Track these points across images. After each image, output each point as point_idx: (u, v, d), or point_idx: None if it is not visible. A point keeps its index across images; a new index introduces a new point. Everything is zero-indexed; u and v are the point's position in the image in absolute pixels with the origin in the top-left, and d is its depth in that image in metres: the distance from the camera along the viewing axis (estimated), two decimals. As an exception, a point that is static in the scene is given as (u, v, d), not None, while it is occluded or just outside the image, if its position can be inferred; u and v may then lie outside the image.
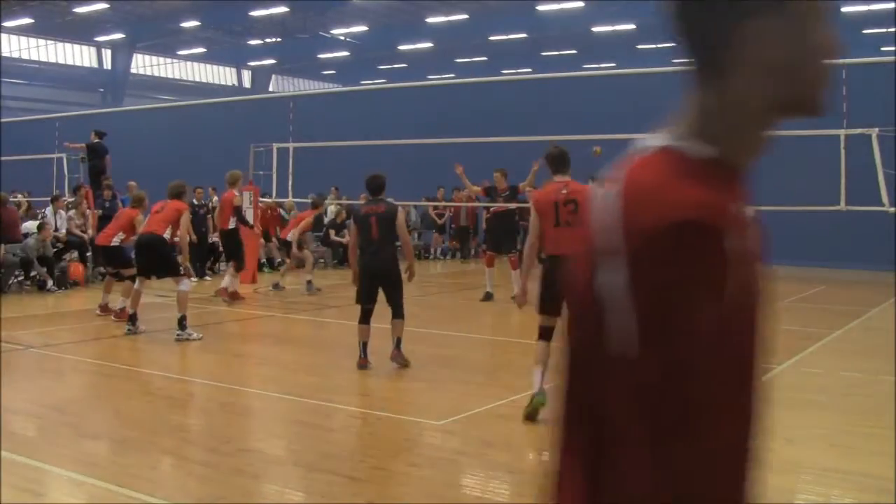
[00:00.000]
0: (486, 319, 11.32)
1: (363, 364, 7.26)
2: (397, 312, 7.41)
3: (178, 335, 8.74)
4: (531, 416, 5.53)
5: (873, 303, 12.39)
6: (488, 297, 12.16)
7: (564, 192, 5.66)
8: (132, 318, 9.10)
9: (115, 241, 9.92)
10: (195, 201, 15.81)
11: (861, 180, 11.28)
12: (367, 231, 7.27)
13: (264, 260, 16.66)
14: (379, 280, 7.34)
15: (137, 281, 9.32)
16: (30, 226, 13.62)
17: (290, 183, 16.11)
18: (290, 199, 17.69)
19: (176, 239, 9.56)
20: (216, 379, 7.11)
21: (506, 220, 12.81)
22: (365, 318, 7.36)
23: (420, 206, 20.86)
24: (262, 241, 16.38)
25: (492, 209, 13.57)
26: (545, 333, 5.89)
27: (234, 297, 11.79)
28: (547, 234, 5.65)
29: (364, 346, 7.32)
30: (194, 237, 15.35)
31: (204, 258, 15.44)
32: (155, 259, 9.15)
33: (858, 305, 12.06)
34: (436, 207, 20.77)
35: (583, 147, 17.59)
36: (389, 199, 7.76)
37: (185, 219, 9.38)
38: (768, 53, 1.10)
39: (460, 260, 20.17)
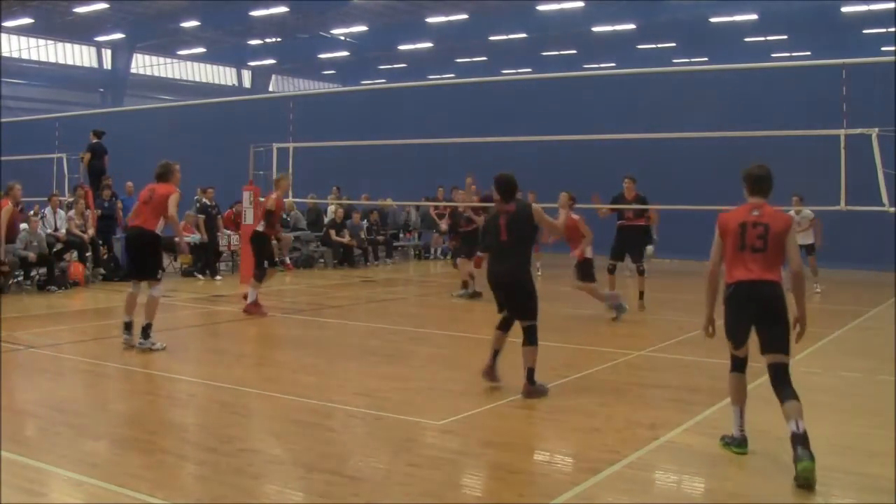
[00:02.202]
0: (485, 319, 11.31)
1: (486, 373, 6.58)
2: (528, 336, 6.43)
3: (140, 343, 8.06)
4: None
5: (873, 303, 12.40)
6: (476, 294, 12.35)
7: (756, 213, 5.03)
8: (128, 326, 8.26)
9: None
10: (206, 201, 15.81)
11: (861, 180, 11.28)
12: (496, 234, 6.55)
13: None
14: (503, 290, 6.62)
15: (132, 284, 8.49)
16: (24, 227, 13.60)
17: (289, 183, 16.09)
18: (290, 199, 17.68)
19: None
20: (216, 379, 7.11)
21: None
22: (502, 325, 6.75)
23: (421, 207, 20.85)
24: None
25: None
26: (738, 365, 5.17)
27: (251, 310, 10.64)
28: (728, 258, 5.09)
29: (495, 353, 6.66)
30: (205, 236, 15.39)
31: (214, 258, 15.43)
32: (144, 258, 8.32)
33: (858, 305, 12.07)
34: (436, 207, 20.77)
35: (583, 147, 17.69)
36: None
37: (174, 200, 8.24)
38: None
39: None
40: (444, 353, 8.68)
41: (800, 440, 4.57)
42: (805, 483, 4.44)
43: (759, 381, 6.99)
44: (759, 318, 5.01)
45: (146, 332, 8.09)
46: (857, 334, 9.93)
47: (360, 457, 5.01)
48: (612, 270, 11.49)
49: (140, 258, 8.39)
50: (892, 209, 11.14)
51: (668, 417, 5.80)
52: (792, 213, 13.68)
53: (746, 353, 5.11)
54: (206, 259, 15.49)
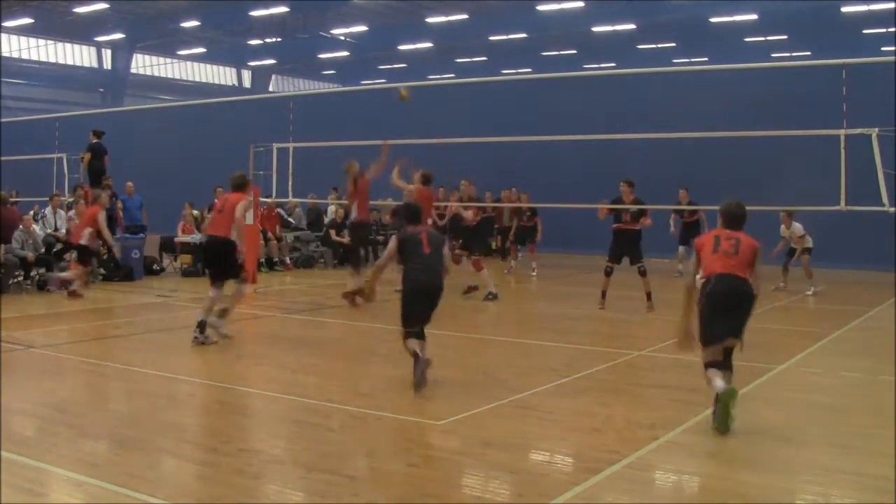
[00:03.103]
0: (486, 319, 11.33)
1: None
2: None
3: (214, 324, 8.61)
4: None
5: (873, 303, 12.40)
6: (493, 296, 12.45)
7: (728, 231, 5.96)
8: (202, 326, 8.61)
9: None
10: (216, 201, 15.79)
11: (861, 180, 11.28)
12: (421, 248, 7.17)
13: (263, 260, 16.66)
14: (431, 295, 7.18)
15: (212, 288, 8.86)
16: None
17: (290, 183, 16.10)
18: (291, 199, 17.70)
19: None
20: (216, 379, 7.11)
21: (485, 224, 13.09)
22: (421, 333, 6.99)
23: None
24: (261, 241, 16.37)
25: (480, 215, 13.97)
26: (715, 363, 5.70)
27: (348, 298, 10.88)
28: (706, 262, 5.88)
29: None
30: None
31: None
32: (225, 263, 8.90)
33: (858, 305, 12.07)
34: (436, 208, 20.74)
35: (583, 147, 17.70)
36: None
37: (241, 206, 8.81)
38: None
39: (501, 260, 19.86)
40: (444, 353, 8.66)
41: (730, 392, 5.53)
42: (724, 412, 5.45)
43: (758, 382, 7.01)
44: (728, 305, 5.71)
45: (223, 315, 8.71)
46: (857, 334, 9.93)
47: (360, 457, 5.01)
48: (608, 273, 11.52)
49: (220, 264, 8.95)
50: (892, 209, 11.15)
51: (668, 417, 5.80)
52: (782, 228, 13.73)
53: (720, 342, 5.74)
54: None
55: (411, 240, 7.14)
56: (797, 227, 13.65)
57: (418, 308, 6.97)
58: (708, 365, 5.70)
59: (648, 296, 11.43)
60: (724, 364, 5.75)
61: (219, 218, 8.95)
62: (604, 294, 11.61)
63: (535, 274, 16.63)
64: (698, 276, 5.96)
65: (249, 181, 9.30)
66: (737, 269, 5.74)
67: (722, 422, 5.42)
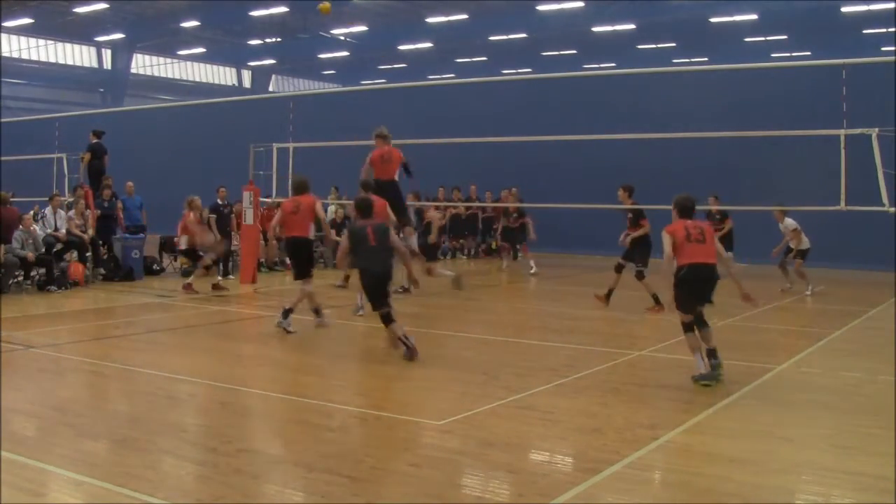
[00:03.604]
0: (485, 319, 11.33)
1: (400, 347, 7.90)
2: (385, 319, 7.99)
3: (279, 322, 9.28)
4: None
5: (873, 303, 12.40)
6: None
7: (690, 221, 7.28)
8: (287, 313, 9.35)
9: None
10: (219, 200, 15.78)
11: (861, 180, 11.27)
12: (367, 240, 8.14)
13: (263, 260, 16.65)
14: (377, 281, 8.15)
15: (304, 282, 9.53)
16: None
17: (289, 183, 16.08)
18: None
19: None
20: (216, 379, 7.11)
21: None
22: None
23: (420, 207, 20.82)
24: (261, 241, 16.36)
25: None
26: (689, 327, 7.15)
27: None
28: (679, 251, 7.11)
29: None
30: (219, 235, 15.37)
31: (226, 258, 15.40)
32: (305, 261, 9.59)
33: (858, 305, 12.07)
34: (436, 208, 20.76)
35: (583, 147, 17.70)
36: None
37: (320, 206, 9.75)
38: None
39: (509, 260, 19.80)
40: (445, 353, 8.67)
41: (713, 353, 6.96)
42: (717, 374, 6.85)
43: (757, 382, 7.01)
44: (700, 288, 7.10)
45: (287, 313, 9.25)
46: (857, 334, 9.92)
47: (360, 457, 5.01)
48: (618, 269, 11.71)
49: (302, 260, 9.60)
50: (892, 209, 11.14)
51: (668, 417, 5.80)
52: (781, 227, 13.64)
53: (693, 316, 7.08)
54: (216, 259, 15.45)
55: (359, 233, 8.07)
56: (789, 221, 13.52)
57: (371, 293, 8.02)
58: (685, 328, 7.11)
59: (655, 298, 11.24)
60: (700, 323, 7.11)
61: (294, 219, 9.42)
62: (610, 291, 11.81)
63: (533, 271, 16.60)
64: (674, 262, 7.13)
65: (309, 184, 9.96)
66: (708, 256, 7.08)
67: (715, 377, 6.83)
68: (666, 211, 14.85)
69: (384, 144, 11.68)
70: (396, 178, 11.33)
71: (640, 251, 11.55)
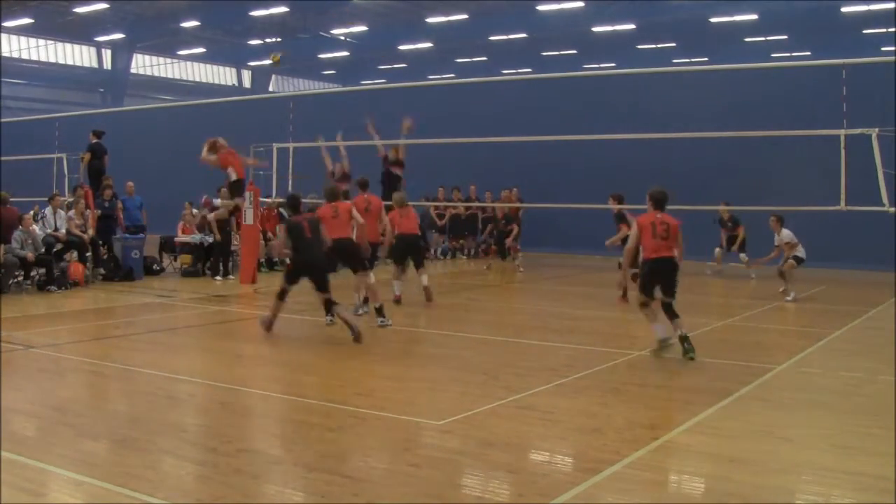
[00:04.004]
0: (485, 319, 11.33)
1: (267, 326, 9.21)
2: (327, 306, 9.27)
3: (380, 322, 9.73)
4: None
5: (873, 303, 12.39)
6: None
7: (659, 216, 8.23)
8: (379, 310, 9.89)
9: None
10: (220, 200, 15.78)
11: (861, 180, 11.28)
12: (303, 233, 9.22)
13: (263, 260, 16.66)
14: (316, 270, 9.26)
15: (370, 275, 10.21)
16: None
17: (289, 183, 16.10)
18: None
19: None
20: (216, 379, 7.11)
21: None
22: (282, 295, 9.26)
23: (420, 207, 20.83)
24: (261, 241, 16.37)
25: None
26: (646, 304, 8.33)
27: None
28: (646, 244, 8.19)
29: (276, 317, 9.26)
30: (219, 236, 15.38)
31: (226, 257, 15.41)
32: (356, 258, 10.06)
33: (858, 305, 12.06)
34: (436, 207, 20.78)
35: (583, 147, 17.70)
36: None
37: (356, 213, 10.27)
38: None
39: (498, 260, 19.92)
40: (444, 353, 8.67)
41: (686, 339, 7.94)
42: (690, 355, 7.82)
43: (758, 382, 7.01)
44: (663, 279, 8.16)
45: (381, 311, 9.78)
46: (857, 334, 9.92)
47: (360, 457, 5.01)
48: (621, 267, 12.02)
49: (353, 259, 10.06)
50: (892, 209, 11.14)
51: (668, 417, 5.80)
52: (776, 237, 13.35)
53: (651, 299, 8.24)
54: (216, 259, 15.48)
55: (296, 226, 9.07)
56: (786, 233, 13.09)
57: (293, 276, 9.14)
58: (642, 305, 8.31)
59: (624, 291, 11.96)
60: (671, 314, 8.06)
61: (335, 223, 9.85)
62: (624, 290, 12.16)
63: (522, 270, 16.83)
64: (640, 255, 8.33)
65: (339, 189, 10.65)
66: (670, 251, 8.18)
67: (689, 351, 7.86)
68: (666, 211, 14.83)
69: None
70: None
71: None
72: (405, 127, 14.98)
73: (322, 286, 9.01)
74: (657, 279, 8.17)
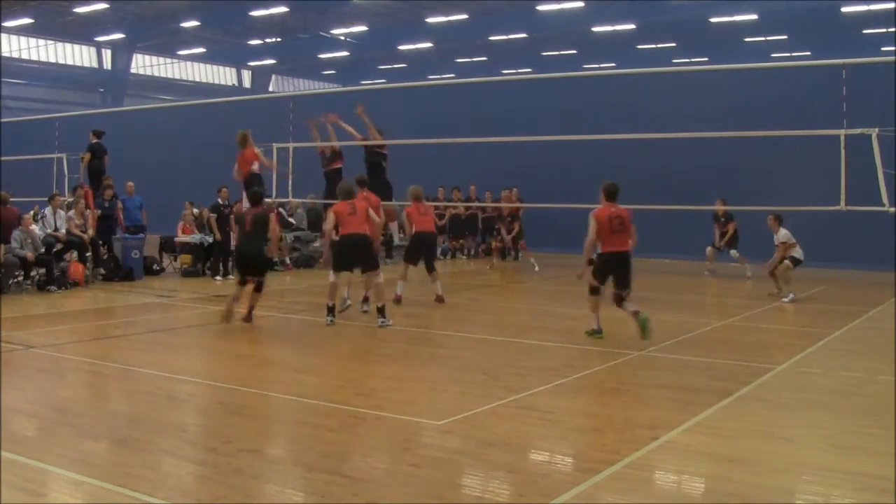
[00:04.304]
0: (485, 319, 11.32)
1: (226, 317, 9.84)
2: (257, 287, 10.13)
3: (381, 322, 9.73)
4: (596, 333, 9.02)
5: (873, 303, 12.39)
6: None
7: (613, 209, 8.90)
8: (385, 311, 9.96)
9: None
10: (220, 201, 15.78)
11: (861, 180, 11.27)
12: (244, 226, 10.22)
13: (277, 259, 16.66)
14: (251, 262, 10.17)
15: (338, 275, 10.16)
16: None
17: (289, 183, 16.09)
18: (291, 199, 17.67)
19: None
20: (216, 379, 7.11)
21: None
22: (243, 281, 10.07)
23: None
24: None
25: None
26: (595, 291, 9.08)
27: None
28: (603, 237, 8.86)
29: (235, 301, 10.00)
30: (219, 235, 15.38)
31: (226, 257, 15.41)
32: (363, 255, 10.02)
33: (858, 305, 12.06)
34: (436, 207, 20.75)
35: (583, 147, 17.70)
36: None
37: (372, 211, 10.37)
38: None
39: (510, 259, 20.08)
40: (444, 353, 8.67)
41: (639, 314, 8.64)
42: (644, 329, 8.54)
43: (758, 382, 7.01)
44: (617, 271, 8.86)
45: (383, 312, 9.81)
46: (857, 334, 9.92)
47: (360, 457, 5.01)
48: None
49: (366, 256, 10.04)
50: (892, 209, 11.13)
51: (668, 417, 5.80)
52: (775, 237, 13.22)
53: (601, 285, 8.98)
54: (217, 259, 15.48)
55: (240, 219, 10.09)
56: (784, 233, 12.96)
57: (240, 268, 10.11)
58: (591, 291, 9.08)
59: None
60: (623, 304, 8.82)
61: (353, 220, 9.91)
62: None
63: (537, 270, 17.07)
64: (597, 247, 9.03)
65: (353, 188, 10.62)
66: (625, 244, 8.88)
67: (646, 331, 8.54)
68: (665, 211, 14.97)
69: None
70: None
71: None
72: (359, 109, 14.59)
73: (253, 274, 9.90)
74: (611, 270, 8.86)
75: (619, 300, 8.83)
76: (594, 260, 9.08)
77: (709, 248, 16.47)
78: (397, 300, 11.61)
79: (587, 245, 9.04)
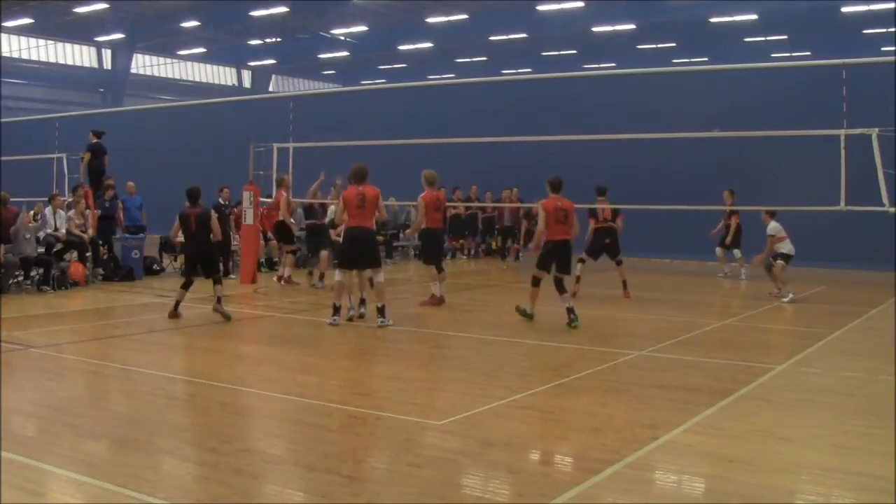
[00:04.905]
0: (485, 319, 11.32)
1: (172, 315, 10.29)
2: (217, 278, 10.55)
3: (381, 322, 9.67)
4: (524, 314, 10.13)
5: (873, 303, 12.40)
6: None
7: (560, 203, 9.88)
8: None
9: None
10: (221, 200, 15.77)
11: (861, 180, 11.27)
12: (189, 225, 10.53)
13: (263, 260, 16.66)
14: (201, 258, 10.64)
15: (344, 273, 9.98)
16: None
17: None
18: (291, 200, 17.66)
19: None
20: (216, 379, 7.11)
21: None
22: (187, 286, 10.58)
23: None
24: (261, 241, 16.36)
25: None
26: (538, 283, 10.04)
27: (437, 301, 11.71)
28: (549, 227, 9.77)
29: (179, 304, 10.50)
30: (219, 235, 15.36)
31: (226, 257, 15.40)
32: (367, 250, 9.84)
33: (858, 305, 12.07)
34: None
35: (583, 147, 17.70)
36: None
37: (382, 203, 10.20)
38: None
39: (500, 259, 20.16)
40: (444, 353, 8.68)
41: (571, 310, 9.73)
42: (572, 323, 9.67)
43: (758, 382, 7.01)
44: (560, 258, 9.90)
45: (383, 312, 9.77)
46: (857, 334, 9.92)
47: (360, 457, 5.01)
48: (618, 263, 13.28)
49: (369, 252, 9.94)
50: (892, 209, 11.13)
51: (668, 417, 5.80)
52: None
53: (545, 274, 9.95)
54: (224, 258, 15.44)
55: (185, 218, 10.27)
56: (773, 225, 12.86)
57: (189, 268, 10.63)
58: (534, 282, 9.99)
59: (624, 284, 12.95)
60: (561, 289, 9.85)
61: (361, 213, 9.70)
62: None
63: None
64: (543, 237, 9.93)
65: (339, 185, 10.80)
66: (567, 233, 9.89)
67: (524, 314, 10.04)
68: (665, 211, 14.99)
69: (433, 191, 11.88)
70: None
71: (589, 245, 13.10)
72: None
73: (210, 272, 10.42)
74: (555, 258, 9.87)
75: (560, 284, 9.82)
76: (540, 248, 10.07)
77: (718, 249, 16.35)
78: (439, 302, 11.60)
79: (537, 234, 10.13)
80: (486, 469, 4.77)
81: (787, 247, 12.80)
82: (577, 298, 12.40)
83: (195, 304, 11.88)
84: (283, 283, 14.33)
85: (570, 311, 9.70)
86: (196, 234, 10.28)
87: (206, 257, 10.48)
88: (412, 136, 17.41)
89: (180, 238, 11.05)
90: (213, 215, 10.62)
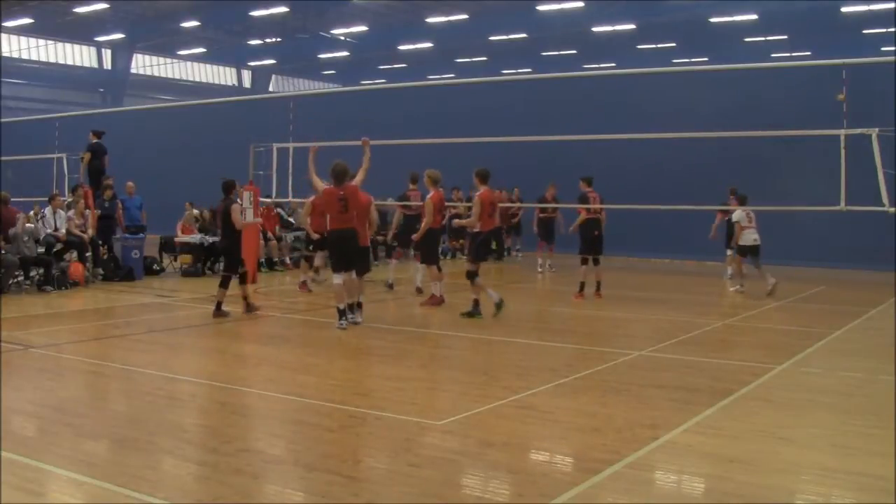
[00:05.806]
0: (485, 319, 11.32)
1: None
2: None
3: (350, 318, 9.68)
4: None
5: (873, 303, 12.40)
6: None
7: (496, 194, 10.88)
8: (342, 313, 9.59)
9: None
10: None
11: (861, 180, 11.27)
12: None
13: (263, 260, 16.66)
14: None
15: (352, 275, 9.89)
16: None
17: (289, 183, 16.09)
18: (291, 199, 17.67)
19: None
20: (216, 379, 7.11)
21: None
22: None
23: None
24: (261, 241, 16.36)
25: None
26: (475, 275, 10.45)
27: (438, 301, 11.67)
28: (484, 217, 10.40)
29: None
30: (239, 225, 15.31)
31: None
32: (354, 254, 9.82)
33: (858, 305, 12.07)
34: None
35: (583, 147, 17.70)
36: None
37: (374, 208, 10.98)
38: None
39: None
40: (444, 353, 8.68)
41: (497, 300, 10.32)
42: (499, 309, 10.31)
43: (758, 382, 7.01)
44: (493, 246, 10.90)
45: (354, 308, 9.82)
46: (858, 334, 9.92)
47: (360, 457, 5.01)
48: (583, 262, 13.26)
49: (357, 257, 9.89)
50: (892, 209, 11.13)
51: (668, 417, 5.80)
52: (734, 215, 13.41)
53: (479, 266, 10.46)
54: (217, 259, 15.44)
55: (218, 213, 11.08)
56: (737, 213, 12.95)
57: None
58: (471, 276, 10.34)
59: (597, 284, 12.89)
60: (474, 282, 10.33)
61: (346, 217, 9.56)
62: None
63: (549, 271, 17.19)
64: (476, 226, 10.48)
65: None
66: (495, 223, 10.63)
67: (498, 310, 10.31)
68: (665, 211, 14.96)
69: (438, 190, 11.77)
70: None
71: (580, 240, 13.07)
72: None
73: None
74: (489, 246, 10.83)
75: (473, 276, 10.32)
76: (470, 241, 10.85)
77: (729, 252, 16.08)
78: (439, 302, 11.58)
79: (470, 223, 10.68)
80: (485, 469, 4.77)
81: (747, 237, 12.98)
82: (583, 299, 12.46)
83: (195, 304, 11.88)
84: (305, 289, 13.47)
85: (500, 304, 10.33)
86: (221, 228, 10.92)
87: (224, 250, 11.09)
88: (412, 136, 17.39)
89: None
90: (235, 208, 10.67)
